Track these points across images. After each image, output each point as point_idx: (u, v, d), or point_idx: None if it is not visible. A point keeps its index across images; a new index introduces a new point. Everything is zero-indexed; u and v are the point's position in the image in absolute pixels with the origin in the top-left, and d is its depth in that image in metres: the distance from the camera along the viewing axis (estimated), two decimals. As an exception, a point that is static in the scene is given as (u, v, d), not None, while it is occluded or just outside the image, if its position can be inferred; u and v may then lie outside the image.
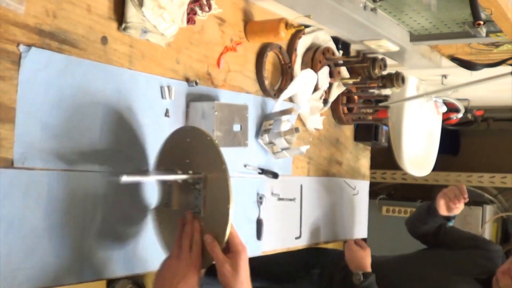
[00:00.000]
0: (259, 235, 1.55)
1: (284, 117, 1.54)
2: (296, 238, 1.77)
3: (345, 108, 2.00)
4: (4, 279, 0.92)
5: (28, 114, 0.95)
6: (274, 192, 1.63)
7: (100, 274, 1.09)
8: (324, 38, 1.83)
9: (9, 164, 0.93)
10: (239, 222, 1.46)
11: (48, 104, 0.99)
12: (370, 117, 2.02)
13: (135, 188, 1.17)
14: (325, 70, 1.75)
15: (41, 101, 0.98)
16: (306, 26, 1.74)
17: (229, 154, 1.40)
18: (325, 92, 1.81)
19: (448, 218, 1.91)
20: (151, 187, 1.18)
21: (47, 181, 0.99)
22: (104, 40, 1.09)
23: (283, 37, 1.51)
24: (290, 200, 1.72)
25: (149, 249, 1.18)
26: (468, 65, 2.14)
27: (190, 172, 1.09)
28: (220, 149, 1.03)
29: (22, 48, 0.94)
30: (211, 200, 1.05)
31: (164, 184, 1.16)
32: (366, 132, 2.18)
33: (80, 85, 1.04)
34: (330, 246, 2.17)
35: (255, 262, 1.23)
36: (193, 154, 1.10)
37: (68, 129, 1.02)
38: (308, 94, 1.69)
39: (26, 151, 0.95)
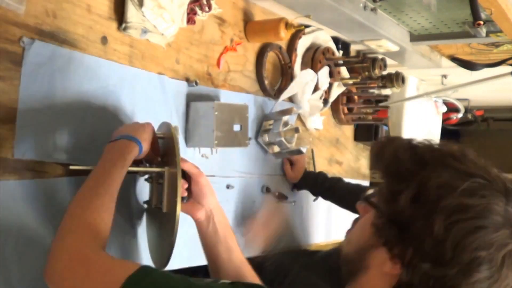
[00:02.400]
0: None
1: (284, 117, 1.54)
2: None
3: (345, 108, 2.00)
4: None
5: (30, 112, 0.95)
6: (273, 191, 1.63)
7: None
8: (324, 38, 1.83)
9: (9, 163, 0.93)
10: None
11: (50, 100, 0.98)
12: (370, 117, 2.02)
13: (134, 189, 1.17)
14: (325, 70, 1.75)
15: (43, 97, 0.97)
16: (306, 26, 1.74)
17: (229, 154, 1.42)
18: (325, 92, 1.81)
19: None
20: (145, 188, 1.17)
21: (47, 179, 0.98)
22: (104, 40, 1.09)
23: (283, 37, 1.51)
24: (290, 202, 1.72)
25: (146, 250, 1.18)
26: (468, 65, 2.14)
27: (153, 165, 1.08)
28: (177, 142, 1.00)
29: (25, 40, 0.93)
30: (168, 196, 1.03)
31: (150, 184, 1.14)
32: (366, 132, 2.18)
33: (82, 80, 1.04)
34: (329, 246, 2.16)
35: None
36: (165, 149, 1.08)
37: (69, 126, 1.01)
38: (308, 94, 1.69)
39: (26, 151, 0.95)
